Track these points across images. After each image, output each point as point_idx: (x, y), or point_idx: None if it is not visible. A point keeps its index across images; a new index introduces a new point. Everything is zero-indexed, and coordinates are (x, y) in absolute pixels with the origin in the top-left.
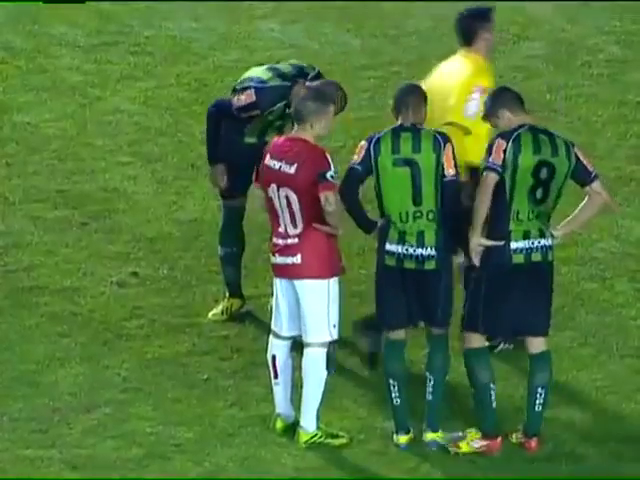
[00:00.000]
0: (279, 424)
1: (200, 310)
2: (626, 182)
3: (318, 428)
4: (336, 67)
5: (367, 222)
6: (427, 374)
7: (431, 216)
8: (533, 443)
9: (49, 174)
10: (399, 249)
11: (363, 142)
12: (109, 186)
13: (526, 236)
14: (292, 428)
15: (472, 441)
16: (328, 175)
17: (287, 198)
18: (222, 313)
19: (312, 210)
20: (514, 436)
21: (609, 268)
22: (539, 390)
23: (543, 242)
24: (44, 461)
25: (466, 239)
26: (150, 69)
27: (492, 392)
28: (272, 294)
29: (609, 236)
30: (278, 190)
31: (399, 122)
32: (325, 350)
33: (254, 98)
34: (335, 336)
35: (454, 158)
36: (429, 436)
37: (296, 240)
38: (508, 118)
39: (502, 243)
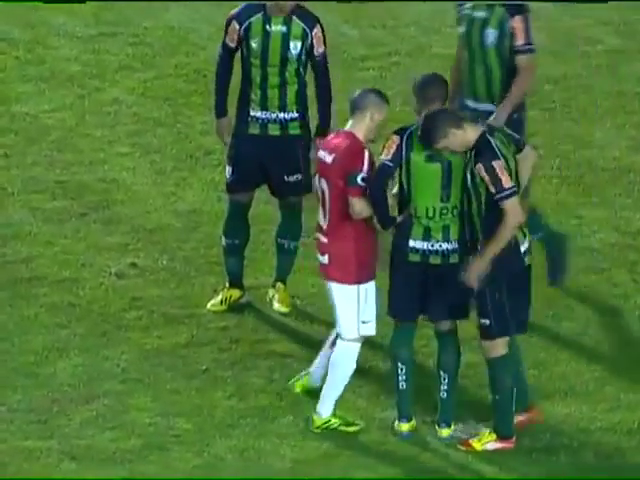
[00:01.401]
0: (301, 383)
1: (199, 301)
2: (625, 173)
3: (334, 415)
4: (334, 58)
5: (388, 218)
6: (440, 372)
7: (456, 212)
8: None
9: (48, 165)
10: (425, 245)
11: (395, 136)
12: (108, 177)
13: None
14: (310, 392)
15: (487, 442)
16: (358, 178)
17: (322, 189)
18: (221, 303)
19: (339, 205)
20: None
21: (608, 259)
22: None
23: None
24: (43, 452)
25: None
26: (148, 60)
27: (514, 395)
28: (272, 285)
29: (608, 227)
30: (319, 181)
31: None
32: (357, 345)
33: (231, 13)
34: (366, 332)
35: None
36: (444, 432)
37: (326, 239)
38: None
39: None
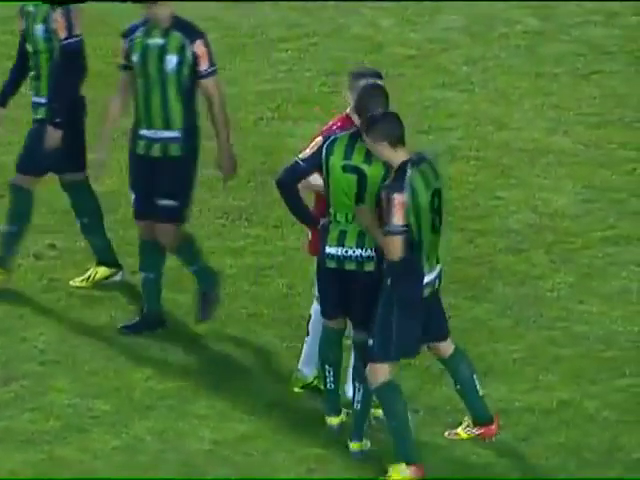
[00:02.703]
0: (299, 382)
1: (117, 282)
2: (543, 154)
3: (316, 377)
4: (253, 39)
5: (307, 217)
6: (354, 382)
7: None
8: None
9: None
10: (339, 251)
11: (319, 138)
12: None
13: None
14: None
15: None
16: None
17: None
18: (85, 280)
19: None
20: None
21: (526, 240)
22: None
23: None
24: None
25: None
26: None
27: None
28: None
29: (526, 208)
30: None
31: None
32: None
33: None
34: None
35: None
36: (354, 446)
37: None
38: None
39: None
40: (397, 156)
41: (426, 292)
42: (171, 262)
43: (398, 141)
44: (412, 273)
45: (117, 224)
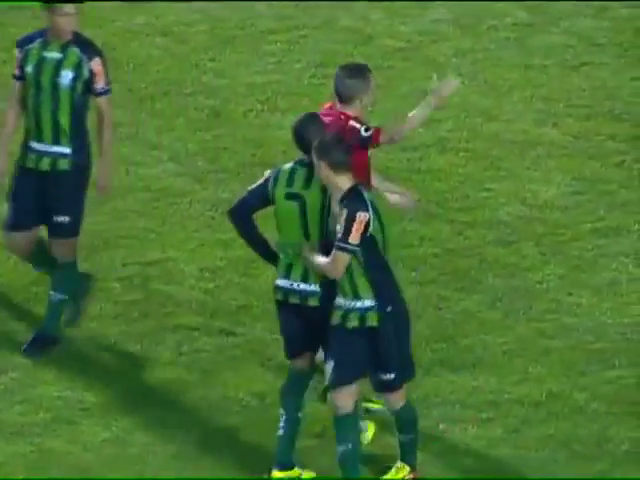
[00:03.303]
0: None
1: (107, 275)
2: (533, 146)
3: None
4: (243, 31)
5: (261, 249)
6: (280, 410)
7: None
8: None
9: None
10: (285, 284)
11: (269, 171)
12: (14, 150)
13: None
14: None
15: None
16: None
17: None
18: None
19: None
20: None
21: (515, 232)
22: None
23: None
24: None
25: None
26: None
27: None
28: (182, 259)
29: (516, 200)
30: None
31: (300, 157)
32: None
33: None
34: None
35: None
36: (276, 474)
37: None
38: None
39: None
40: (340, 182)
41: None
42: (160, 255)
43: (343, 166)
44: (392, 291)
45: (107, 216)
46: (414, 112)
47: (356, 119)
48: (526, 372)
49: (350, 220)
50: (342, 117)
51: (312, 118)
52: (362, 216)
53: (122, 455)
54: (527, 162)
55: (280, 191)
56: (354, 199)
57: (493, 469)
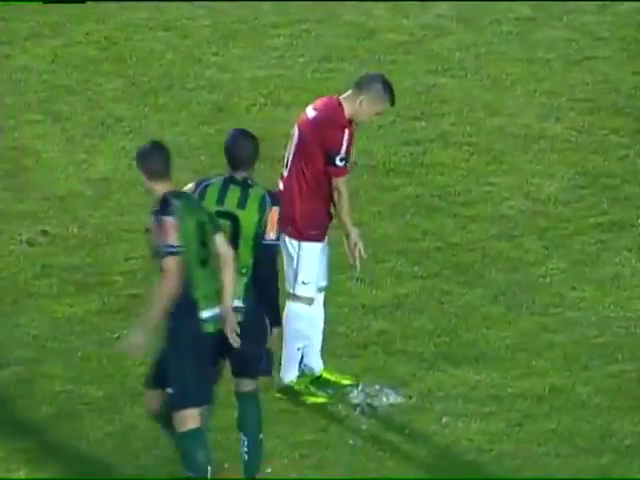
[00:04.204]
0: (304, 380)
1: (110, 269)
2: (535, 140)
3: (297, 383)
4: (246, 26)
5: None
6: (241, 434)
7: (244, 271)
8: None
9: None
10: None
11: (191, 185)
12: (18, 144)
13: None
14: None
15: None
16: (337, 159)
17: (293, 136)
18: None
19: (300, 160)
20: None
21: (518, 226)
22: None
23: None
24: None
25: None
26: (59, 27)
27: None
28: None
29: (519, 194)
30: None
31: (231, 173)
32: (302, 306)
33: None
34: (304, 293)
35: (279, 222)
36: None
37: (282, 187)
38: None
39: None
40: (155, 188)
41: (209, 328)
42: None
43: (156, 173)
44: (185, 306)
45: (110, 210)
46: (348, 208)
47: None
48: (529, 366)
49: (159, 227)
50: (334, 99)
51: (243, 134)
52: (168, 220)
53: (125, 449)
54: (530, 156)
55: (209, 208)
56: (162, 206)
57: (496, 463)
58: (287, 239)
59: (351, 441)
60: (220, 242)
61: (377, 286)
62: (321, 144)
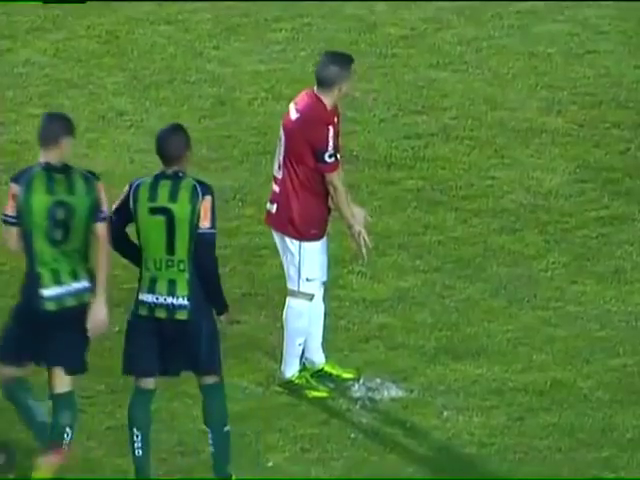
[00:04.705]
0: (305, 374)
1: (112, 263)
2: (537, 134)
3: (298, 377)
4: (247, 19)
5: (132, 260)
6: (206, 427)
7: (182, 266)
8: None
9: None
10: (150, 298)
11: (127, 187)
12: (20, 138)
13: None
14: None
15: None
16: (326, 156)
17: (280, 138)
18: None
19: (291, 159)
20: None
21: (520, 220)
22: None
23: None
24: None
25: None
26: (60, 20)
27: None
28: None
29: (520, 188)
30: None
31: (163, 169)
32: (303, 302)
33: None
34: (308, 290)
35: (212, 210)
36: None
37: (277, 188)
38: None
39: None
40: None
41: (50, 306)
42: None
43: (40, 143)
44: (27, 279)
45: (112, 204)
46: (345, 201)
47: (334, 107)
48: (530, 360)
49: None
50: (313, 95)
51: (172, 128)
52: (12, 187)
53: (126, 443)
54: (531, 150)
55: (142, 207)
56: (18, 172)
57: (497, 457)
58: (287, 239)
59: (352, 435)
60: (100, 229)
61: (378, 280)
62: (308, 143)
